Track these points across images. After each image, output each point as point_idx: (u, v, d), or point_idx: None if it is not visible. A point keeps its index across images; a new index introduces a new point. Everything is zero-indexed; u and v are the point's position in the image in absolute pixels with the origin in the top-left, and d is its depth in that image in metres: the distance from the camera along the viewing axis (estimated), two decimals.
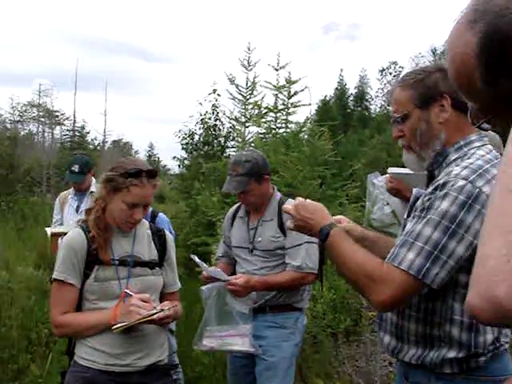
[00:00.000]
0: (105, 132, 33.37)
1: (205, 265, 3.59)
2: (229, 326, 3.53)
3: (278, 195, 3.83)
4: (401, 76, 2.24)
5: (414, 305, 1.99)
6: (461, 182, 1.83)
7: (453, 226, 1.80)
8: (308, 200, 2.24)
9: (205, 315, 3.53)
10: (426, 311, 1.97)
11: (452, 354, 1.94)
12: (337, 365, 5.36)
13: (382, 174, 3.79)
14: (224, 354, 4.13)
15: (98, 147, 33.61)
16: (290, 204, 2.27)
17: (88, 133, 34.48)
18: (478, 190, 1.82)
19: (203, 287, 3.52)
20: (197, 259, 3.57)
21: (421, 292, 1.90)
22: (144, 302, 2.60)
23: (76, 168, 5.51)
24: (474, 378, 1.87)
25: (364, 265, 1.92)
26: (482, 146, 2.03)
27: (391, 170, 3.41)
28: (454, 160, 1.99)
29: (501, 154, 3.55)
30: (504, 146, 1.05)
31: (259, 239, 3.73)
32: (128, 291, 2.65)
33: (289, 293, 3.68)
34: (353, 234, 2.21)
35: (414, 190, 2.15)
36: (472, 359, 1.94)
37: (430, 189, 1.91)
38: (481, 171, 1.86)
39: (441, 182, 1.88)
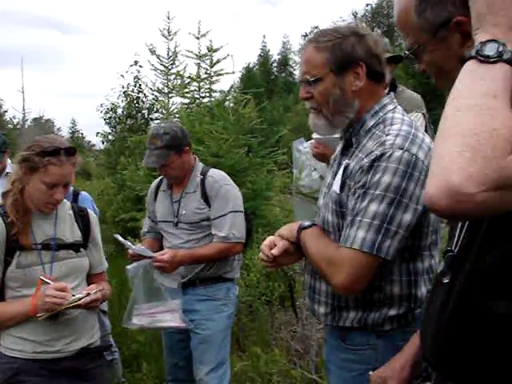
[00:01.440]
0: (24, 110, 32.11)
1: (129, 243, 3.53)
2: (158, 303, 3.46)
3: (200, 166, 3.78)
4: (313, 34, 2.13)
5: None
6: (398, 152, 1.84)
7: (397, 197, 1.82)
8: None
9: (132, 293, 3.46)
10: None
11: (393, 312, 1.99)
12: (273, 332, 5.40)
13: (307, 140, 3.79)
14: (160, 330, 4.08)
15: (18, 126, 32.42)
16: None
17: (6, 111, 33.20)
18: (414, 157, 1.84)
19: (128, 266, 3.44)
20: (120, 238, 3.52)
21: (377, 267, 1.89)
22: (61, 291, 2.50)
23: None
24: (410, 331, 1.91)
25: (322, 251, 1.97)
26: (395, 108, 2.05)
27: (316, 135, 3.40)
28: (373, 126, 2.00)
29: (423, 115, 3.61)
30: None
31: (183, 212, 3.66)
32: (44, 278, 2.54)
33: (218, 264, 3.65)
34: None
35: (333, 158, 2.14)
36: (409, 313, 2.01)
37: (366, 161, 1.89)
38: (411, 137, 1.88)
39: (378, 153, 1.87)
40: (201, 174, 3.70)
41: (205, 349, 3.60)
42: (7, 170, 5.33)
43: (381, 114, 2.02)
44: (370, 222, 1.83)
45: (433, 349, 1.38)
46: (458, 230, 1.32)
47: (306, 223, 2.11)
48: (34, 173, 2.54)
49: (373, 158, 1.87)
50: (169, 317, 3.45)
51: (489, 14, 1.08)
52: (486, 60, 1.05)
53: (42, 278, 2.54)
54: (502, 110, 1.01)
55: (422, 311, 1.96)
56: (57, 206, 2.66)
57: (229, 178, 3.77)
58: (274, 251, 2.16)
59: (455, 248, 1.31)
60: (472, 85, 1.06)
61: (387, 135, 1.91)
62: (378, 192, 1.83)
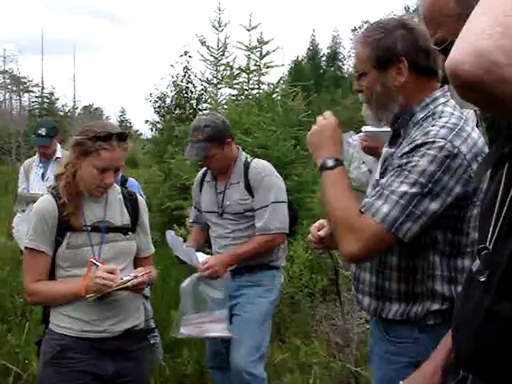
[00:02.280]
0: (74, 98, 32.74)
1: (177, 246, 3.62)
2: (205, 313, 3.57)
3: (244, 156, 3.79)
4: (364, 28, 2.17)
5: (395, 264, 2.00)
6: (440, 142, 1.82)
7: (430, 184, 1.81)
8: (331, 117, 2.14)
9: (181, 304, 3.58)
10: (407, 270, 1.98)
11: (436, 307, 1.97)
12: (314, 324, 5.41)
13: (356, 133, 3.77)
14: None
15: (69, 114, 33.05)
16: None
17: (57, 99, 33.87)
18: (456, 149, 1.82)
19: (183, 284, 3.60)
20: (169, 239, 3.63)
21: (390, 247, 1.91)
22: (110, 273, 2.56)
23: (43, 131, 5.35)
24: None
25: (345, 210, 1.91)
26: (447, 101, 2.02)
27: (365, 128, 3.38)
28: (423, 119, 1.97)
29: (475, 111, 3.54)
30: None
31: (227, 203, 3.71)
32: (94, 261, 2.60)
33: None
34: None
35: (384, 150, 2.13)
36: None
37: (407, 149, 1.89)
38: (457, 129, 1.85)
39: (419, 142, 1.86)
40: (244, 164, 3.72)
41: (243, 330, 3.61)
42: (57, 155, 5.47)
43: (431, 106, 1.99)
44: (396, 200, 1.82)
45: (469, 350, 1.33)
46: (491, 227, 1.26)
47: (330, 162, 2.01)
48: (86, 157, 2.59)
49: (414, 145, 1.86)
50: (215, 327, 3.56)
51: None
52: None
53: (92, 260, 2.60)
54: None
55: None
56: (107, 190, 2.72)
57: (272, 168, 3.77)
58: (321, 232, 2.22)
59: (489, 244, 1.26)
60: None
61: (433, 126, 1.89)
62: (412, 175, 1.82)
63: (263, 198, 3.61)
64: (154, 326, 4.51)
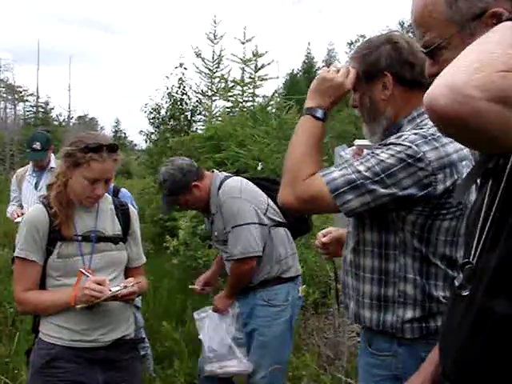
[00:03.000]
0: (69, 108, 32.76)
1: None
2: (226, 353, 3.67)
3: (218, 182, 3.69)
4: (356, 46, 2.26)
5: (368, 266, 2.04)
6: (406, 144, 1.87)
7: (382, 175, 1.86)
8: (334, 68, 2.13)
9: (203, 344, 3.76)
10: (380, 271, 2.02)
11: (409, 314, 1.99)
12: (306, 337, 5.40)
13: (349, 147, 3.78)
14: (194, 329, 4.19)
15: (63, 123, 33.04)
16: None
17: (52, 109, 33.88)
18: (421, 154, 1.86)
19: (196, 315, 3.85)
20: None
21: (327, 210, 2.01)
22: (99, 284, 2.56)
23: (38, 145, 5.37)
24: (434, 343, 1.90)
25: (302, 162, 1.99)
26: None
27: (358, 142, 3.39)
28: (410, 130, 2.01)
29: None
30: None
31: (215, 233, 3.74)
32: (84, 271, 2.61)
33: (263, 267, 3.64)
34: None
35: (365, 151, 2.17)
36: (431, 323, 1.99)
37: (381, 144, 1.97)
38: (430, 138, 1.89)
39: (388, 141, 1.93)
40: (218, 191, 3.65)
41: (262, 354, 3.65)
42: (51, 165, 5.48)
43: (418, 120, 2.04)
44: (350, 172, 1.88)
45: (454, 364, 1.34)
46: (475, 241, 1.28)
47: (319, 113, 2.06)
48: (77, 168, 2.60)
49: (385, 143, 1.93)
50: (235, 362, 3.68)
51: None
52: None
53: (81, 270, 2.61)
54: None
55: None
56: (97, 201, 2.73)
57: (239, 187, 3.66)
58: (325, 239, 2.32)
59: (473, 259, 1.28)
60: (503, 32, 1.04)
61: (407, 131, 1.96)
62: (371, 160, 1.88)
63: (225, 223, 3.60)
64: (144, 337, 4.52)
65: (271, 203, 3.71)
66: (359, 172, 1.87)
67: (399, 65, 2.02)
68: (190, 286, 4.13)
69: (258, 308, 3.66)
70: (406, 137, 1.90)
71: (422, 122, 2.02)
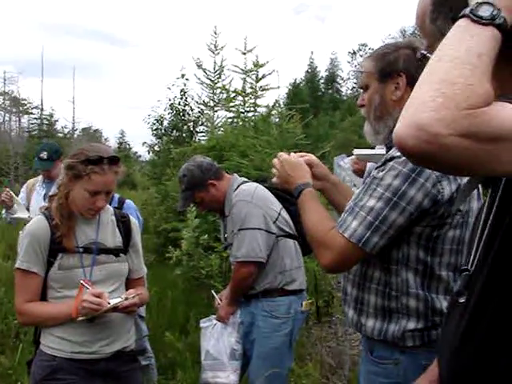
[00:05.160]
0: (74, 120, 32.89)
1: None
2: (221, 363, 3.66)
3: (236, 184, 3.73)
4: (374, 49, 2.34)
5: (374, 277, 2.06)
6: None
7: (395, 198, 1.88)
8: (293, 154, 2.32)
9: (202, 350, 3.76)
10: (385, 284, 2.04)
11: (412, 325, 2.01)
12: (308, 346, 5.40)
13: (348, 156, 3.81)
14: (197, 339, 4.20)
15: (68, 135, 33.15)
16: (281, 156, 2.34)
17: (57, 121, 33.98)
18: None
19: (202, 324, 3.83)
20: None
21: (363, 258, 1.99)
22: (98, 297, 2.57)
23: (44, 155, 5.40)
24: (436, 351, 1.90)
25: (317, 226, 2.05)
26: None
27: (356, 151, 3.41)
28: None
29: None
30: None
31: (226, 235, 3.74)
32: (84, 283, 2.61)
33: (264, 277, 3.63)
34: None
35: (368, 165, 2.18)
36: (432, 331, 2.01)
37: (379, 163, 1.98)
38: None
39: (388, 156, 1.95)
40: (233, 193, 3.68)
41: (259, 365, 3.63)
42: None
43: None
44: (364, 216, 1.91)
45: (447, 369, 1.35)
46: (474, 248, 1.30)
47: (299, 188, 2.19)
48: (78, 180, 2.62)
49: (384, 159, 1.96)
50: (225, 377, 3.66)
51: None
52: (478, 20, 1.06)
53: (82, 282, 2.62)
54: (482, 71, 1.01)
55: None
56: (98, 213, 2.74)
57: (252, 191, 3.66)
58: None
59: (471, 267, 1.29)
60: (459, 39, 1.06)
61: None
62: (378, 189, 1.91)
63: (234, 225, 3.60)
64: (146, 347, 4.52)
65: (283, 213, 3.71)
66: (372, 209, 1.90)
67: (415, 69, 2.05)
68: (213, 292, 4.12)
69: (260, 318, 3.65)
70: None
71: None
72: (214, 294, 3.96)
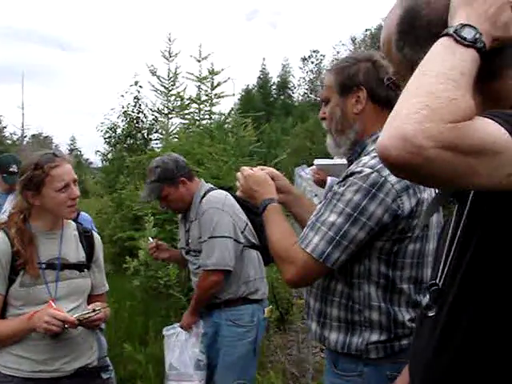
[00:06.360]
0: (23, 126, 32.14)
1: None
2: (185, 373, 3.64)
3: (204, 190, 3.72)
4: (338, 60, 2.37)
5: (337, 291, 2.07)
6: (366, 171, 1.91)
7: (355, 214, 1.90)
8: (255, 168, 2.32)
9: (166, 360, 3.74)
10: (348, 297, 2.05)
11: (375, 338, 2.02)
12: (269, 354, 5.40)
13: (308, 166, 3.84)
14: (157, 350, 4.15)
15: (17, 142, 32.38)
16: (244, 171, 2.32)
17: (5, 127, 33.24)
18: (383, 178, 1.89)
19: (166, 331, 3.79)
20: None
21: (325, 273, 2.01)
22: (59, 320, 2.48)
23: (14, 168, 5.22)
24: (399, 362, 1.92)
25: (280, 241, 2.06)
26: None
27: (317, 161, 3.46)
28: (372, 151, 2.04)
29: None
30: None
31: (190, 240, 3.70)
32: (52, 303, 2.54)
33: (229, 286, 3.62)
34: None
35: (329, 180, 2.20)
36: (395, 342, 2.03)
37: (341, 178, 1.99)
38: None
39: (349, 172, 1.96)
40: (200, 200, 3.65)
41: (227, 374, 3.63)
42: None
43: None
44: (326, 232, 1.93)
45: (420, 383, 1.35)
46: (442, 263, 1.31)
47: (263, 204, 2.20)
48: (41, 188, 2.57)
49: (345, 174, 1.97)
50: None
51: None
52: (461, 41, 1.08)
53: (51, 302, 2.54)
54: (465, 88, 1.04)
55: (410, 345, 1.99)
56: (76, 204, 2.68)
57: (223, 199, 3.67)
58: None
59: (439, 281, 1.31)
60: (443, 55, 1.08)
61: (367, 155, 2.00)
62: (339, 204, 1.92)
63: (202, 232, 3.57)
64: (108, 363, 4.44)
65: (249, 224, 3.71)
66: (333, 224, 1.91)
67: (375, 82, 2.08)
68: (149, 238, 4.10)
69: (224, 328, 3.64)
70: (365, 162, 1.94)
71: None
72: (150, 238, 4.00)
